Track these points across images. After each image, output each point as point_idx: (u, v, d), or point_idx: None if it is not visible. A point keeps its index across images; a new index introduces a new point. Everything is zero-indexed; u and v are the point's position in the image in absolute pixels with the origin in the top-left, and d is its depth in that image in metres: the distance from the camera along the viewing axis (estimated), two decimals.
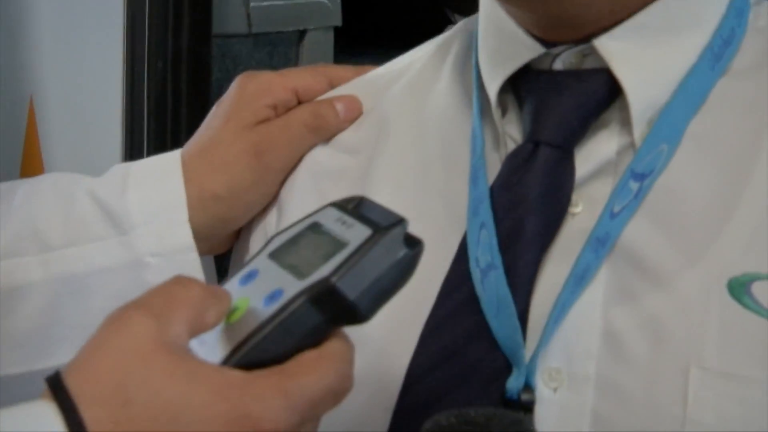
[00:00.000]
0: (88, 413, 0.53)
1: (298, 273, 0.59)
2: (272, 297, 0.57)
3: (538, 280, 0.69)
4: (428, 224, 0.73)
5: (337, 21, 1.85)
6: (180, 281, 0.59)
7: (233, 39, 1.63)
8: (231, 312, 0.60)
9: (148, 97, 1.33)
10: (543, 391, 0.67)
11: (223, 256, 0.93)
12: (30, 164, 1.63)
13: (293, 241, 0.63)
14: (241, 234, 0.91)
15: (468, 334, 0.70)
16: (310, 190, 0.85)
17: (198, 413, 0.53)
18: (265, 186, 0.85)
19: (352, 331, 0.67)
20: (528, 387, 0.66)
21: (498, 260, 0.69)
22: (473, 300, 0.69)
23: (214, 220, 0.84)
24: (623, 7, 0.71)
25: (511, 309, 0.67)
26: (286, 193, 0.86)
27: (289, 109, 0.87)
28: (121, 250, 0.84)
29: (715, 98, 0.71)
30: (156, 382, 0.53)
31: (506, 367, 0.67)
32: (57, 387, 0.55)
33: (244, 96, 0.86)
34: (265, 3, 1.74)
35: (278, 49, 1.72)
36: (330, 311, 0.57)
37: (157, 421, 0.53)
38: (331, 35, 1.83)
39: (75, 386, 0.54)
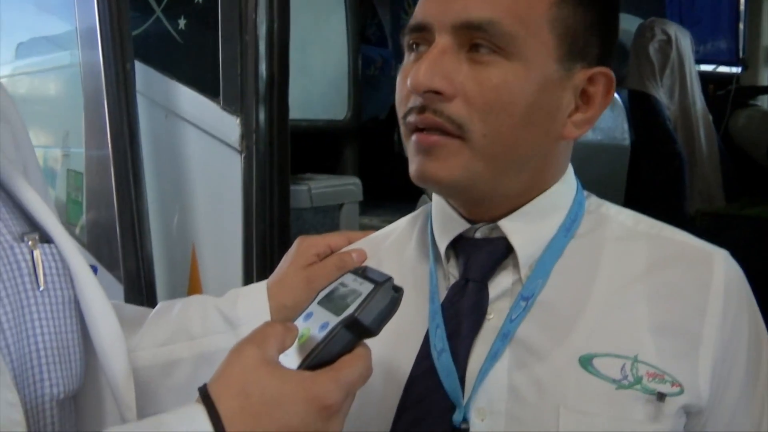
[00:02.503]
0: (222, 404, 0.62)
1: (336, 312, 0.70)
2: (323, 327, 0.69)
3: (470, 357, 0.79)
4: (406, 324, 0.82)
5: (360, 198, 2.18)
6: (269, 324, 0.69)
7: (302, 210, 1.94)
8: (300, 337, 0.70)
9: (257, 243, 1.57)
10: (475, 421, 0.78)
11: None
12: (194, 289, 1.83)
13: (330, 294, 0.74)
14: None
15: (431, 389, 0.79)
16: None
17: (288, 398, 0.63)
18: None
19: (363, 386, 0.74)
20: (465, 419, 0.77)
21: (447, 346, 0.79)
22: (433, 369, 0.80)
23: (286, 320, 0.88)
24: (514, 204, 0.82)
25: (455, 374, 0.78)
26: None
27: (326, 257, 0.98)
28: (234, 338, 0.93)
29: (568, 251, 0.83)
30: (262, 382, 0.64)
31: (452, 407, 0.78)
32: (203, 392, 0.64)
33: (300, 249, 0.99)
34: (320, 190, 2.03)
35: (327, 215, 2.03)
36: (356, 332, 0.69)
37: (266, 405, 0.63)
38: (357, 206, 2.16)
39: (213, 391, 0.64)
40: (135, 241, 1.69)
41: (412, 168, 0.80)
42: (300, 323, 0.72)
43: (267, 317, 0.95)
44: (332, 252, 0.99)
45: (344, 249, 0.99)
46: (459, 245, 0.85)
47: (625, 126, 3.10)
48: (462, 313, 0.81)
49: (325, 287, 0.75)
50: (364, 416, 0.85)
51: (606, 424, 0.75)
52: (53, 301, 0.78)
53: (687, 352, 0.77)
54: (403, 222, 0.99)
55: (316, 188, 2.03)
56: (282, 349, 0.67)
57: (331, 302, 0.72)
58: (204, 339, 0.96)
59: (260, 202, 1.60)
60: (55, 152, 2.55)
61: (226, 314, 0.96)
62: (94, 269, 0.84)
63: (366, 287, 0.71)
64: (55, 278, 0.79)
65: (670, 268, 0.81)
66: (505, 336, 0.79)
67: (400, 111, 0.81)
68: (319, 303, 0.73)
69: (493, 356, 0.78)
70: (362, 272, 0.73)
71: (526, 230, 0.82)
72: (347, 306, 0.70)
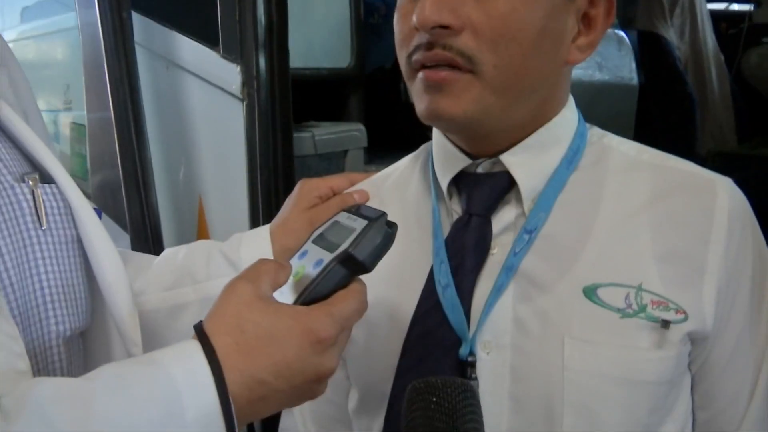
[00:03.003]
0: (217, 341, 0.62)
1: (330, 249, 0.70)
2: (317, 264, 0.69)
3: (475, 292, 0.80)
4: (411, 260, 0.85)
5: (365, 144, 2.17)
6: (262, 261, 0.69)
7: (306, 157, 1.92)
8: (295, 275, 0.71)
9: (261, 190, 1.56)
10: (481, 354, 0.78)
11: None
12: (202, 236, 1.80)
13: (324, 232, 0.74)
14: None
15: (436, 324, 0.80)
16: None
17: (283, 332, 0.64)
18: None
19: (370, 322, 0.80)
20: (471, 353, 0.78)
21: (451, 281, 0.80)
22: (438, 304, 0.80)
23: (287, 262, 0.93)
24: (516, 138, 0.82)
25: (460, 309, 0.78)
26: None
27: (328, 198, 0.98)
28: None
29: (570, 183, 0.82)
30: (257, 317, 0.64)
31: (458, 342, 0.78)
32: (198, 328, 0.64)
33: (303, 192, 0.99)
34: (324, 136, 2.01)
35: (332, 162, 2.01)
36: (350, 268, 0.69)
37: (260, 339, 0.63)
38: (361, 152, 2.14)
39: (209, 328, 0.64)
40: (140, 194, 1.69)
41: (421, 106, 0.79)
42: (295, 262, 0.72)
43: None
44: (334, 194, 1.00)
45: (347, 190, 0.99)
46: (461, 181, 0.85)
47: (633, 65, 3.05)
48: (466, 248, 0.81)
49: (319, 226, 0.75)
50: (370, 355, 0.85)
51: (611, 353, 0.76)
52: (56, 240, 0.78)
53: (691, 279, 0.77)
54: (404, 161, 0.98)
55: (320, 135, 2.02)
56: (276, 286, 0.67)
57: (325, 240, 0.72)
58: (208, 282, 0.96)
59: (264, 150, 1.59)
60: (61, 115, 2.56)
61: (229, 257, 0.97)
62: (98, 212, 0.84)
63: (360, 224, 0.71)
64: (56, 217, 0.79)
65: (674, 197, 0.80)
66: (509, 269, 0.79)
67: (403, 51, 0.80)
68: (313, 241, 0.73)
69: (497, 290, 0.79)
70: (356, 210, 0.73)
71: (528, 163, 0.82)
72: (341, 243, 0.70)
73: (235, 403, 0.60)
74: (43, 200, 0.77)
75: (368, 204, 0.95)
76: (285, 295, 0.69)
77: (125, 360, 0.67)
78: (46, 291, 0.76)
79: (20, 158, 0.79)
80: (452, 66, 0.76)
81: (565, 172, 0.83)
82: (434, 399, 0.55)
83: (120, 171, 1.71)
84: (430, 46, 0.76)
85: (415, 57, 0.78)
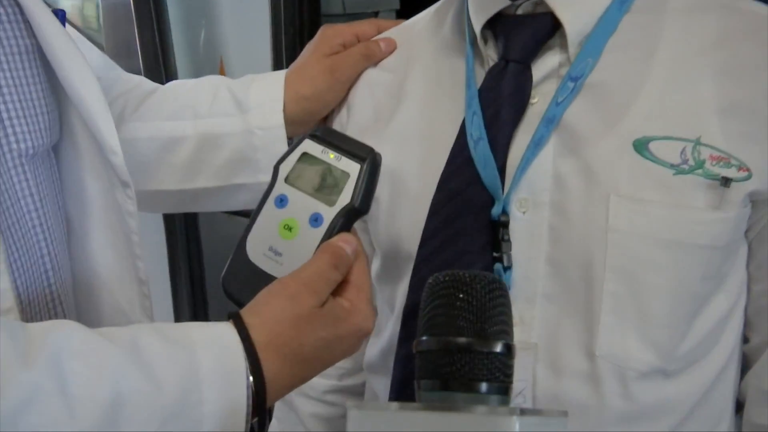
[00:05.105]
0: (266, 359, 0.61)
1: (326, 200, 0.66)
2: (315, 220, 0.66)
3: (511, 146, 0.75)
4: (441, 113, 0.81)
5: (397, 6, 2.08)
6: (319, 261, 0.66)
7: (333, 17, 1.82)
8: (286, 228, 0.67)
9: (285, 50, 1.52)
10: (516, 213, 0.75)
11: None
12: None
13: (299, 170, 0.68)
14: (325, 123, 0.95)
15: (467, 181, 0.77)
16: (366, 95, 0.91)
17: (340, 340, 0.65)
18: (336, 92, 0.92)
19: (396, 180, 0.79)
20: (505, 212, 0.75)
21: (484, 135, 0.76)
22: (469, 160, 0.76)
23: (304, 112, 0.93)
24: None
25: (493, 164, 0.74)
26: (351, 97, 0.92)
27: (352, 46, 0.94)
28: (241, 122, 0.93)
29: (622, 27, 0.76)
30: (317, 333, 0.63)
31: (491, 200, 0.75)
32: (249, 350, 0.61)
33: (324, 38, 0.95)
34: None
35: None
36: (351, 219, 0.67)
37: (317, 350, 0.63)
38: (393, 15, 2.03)
39: (257, 336, 0.62)
40: (158, 60, 1.62)
41: None
42: (273, 209, 0.68)
43: (279, 105, 0.92)
44: (359, 41, 0.94)
45: (372, 39, 0.94)
46: (498, 25, 0.79)
47: None
48: (502, 98, 0.77)
49: (283, 159, 0.69)
50: (395, 215, 0.83)
51: (661, 212, 0.71)
52: (8, 51, 0.73)
53: (757, 133, 0.72)
54: (433, 7, 0.93)
55: None
56: (331, 288, 0.66)
57: (306, 182, 0.67)
58: (210, 119, 0.94)
59: (288, 8, 1.52)
60: None
61: (237, 96, 0.94)
62: (61, 16, 0.79)
63: (348, 165, 0.67)
64: (6, 26, 0.73)
65: (743, 42, 0.74)
66: (550, 121, 0.75)
67: None
68: (288, 182, 0.68)
69: (536, 143, 0.75)
70: (328, 141, 0.68)
71: (575, 3, 0.76)
72: (334, 191, 0.66)
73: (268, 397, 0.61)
74: None
75: (397, 53, 0.91)
76: (283, 257, 0.67)
77: (156, 325, 0.65)
78: (2, 108, 0.72)
79: None
80: None
81: (617, 13, 0.77)
82: (461, 295, 0.51)
83: (136, 35, 1.64)
84: None
85: None
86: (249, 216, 0.69)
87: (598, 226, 0.73)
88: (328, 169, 0.67)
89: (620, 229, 0.72)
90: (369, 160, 0.67)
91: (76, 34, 0.85)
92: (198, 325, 0.63)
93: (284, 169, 0.69)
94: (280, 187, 0.68)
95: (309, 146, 0.69)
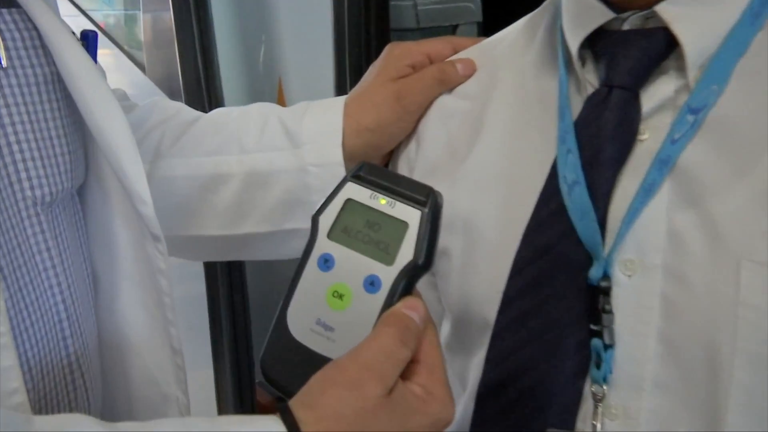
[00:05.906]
0: None
1: (383, 258, 0.57)
2: (372, 284, 0.57)
3: (614, 193, 0.66)
4: (527, 150, 0.73)
5: (479, 18, 1.96)
6: (383, 340, 0.56)
7: (406, 32, 1.74)
8: (335, 295, 0.57)
9: (350, 71, 1.44)
10: (620, 277, 0.64)
11: None
12: None
13: (345, 222, 0.58)
14: (390, 159, 0.88)
15: (559, 235, 0.67)
16: (439, 126, 0.82)
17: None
18: (404, 123, 0.84)
19: (472, 230, 0.72)
20: (606, 276, 0.65)
21: (581, 177, 0.66)
22: (562, 209, 0.67)
23: (366, 146, 0.85)
24: None
25: (592, 215, 0.65)
26: (422, 128, 0.83)
27: (423, 68, 0.85)
28: (294, 158, 0.85)
29: (755, 47, 0.66)
30: (385, 424, 0.54)
31: (588, 260, 0.65)
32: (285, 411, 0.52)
33: (391, 58, 0.87)
34: (429, 6, 1.81)
35: None
36: (413, 279, 0.58)
37: None
38: (474, 28, 1.94)
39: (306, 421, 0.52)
40: (199, 82, 1.56)
41: None
42: (316, 272, 0.58)
43: (338, 138, 0.84)
44: (432, 63, 0.86)
45: (447, 59, 0.86)
46: (600, 42, 0.69)
47: None
48: (603, 133, 0.67)
49: (322, 209, 0.59)
50: (470, 273, 0.73)
51: None
52: (23, 82, 0.66)
53: None
54: (521, 22, 0.83)
55: (424, 4, 1.81)
56: (402, 369, 0.57)
57: (357, 237, 0.57)
58: (257, 154, 0.87)
59: (354, 22, 1.43)
60: None
61: (289, 128, 0.87)
62: (93, 38, 0.72)
63: (405, 211, 0.57)
64: (22, 52, 0.66)
65: None
66: (663, 163, 0.64)
67: None
68: (335, 240, 0.58)
69: (646, 190, 0.64)
70: (376, 183, 0.58)
71: (696, 16, 0.65)
72: (392, 245, 0.57)
73: None
74: (2, 30, 0.65)
75: (477, 76, 0.81)
76: (340, 334, 0.57)
77: (187, 420, 0.59)
78: (15, 147, 0.65)
79: None
80: None
81: (749, 30, 0.66)
82: None
83: (177, 57, 1.59)
84: None
85: None
86: None
87: (726, 299, 0.60)
88: (381, 218, 0.57)
89: (754, 305, 0.60)
90: (430, 203, 0.57)
91: (109, 55, 0.78)
92: (238, 421, 0.54)
93: (325, 221, 0.59)
94: (323, 245, 0.58)
95: (353, 191, 0.59)
